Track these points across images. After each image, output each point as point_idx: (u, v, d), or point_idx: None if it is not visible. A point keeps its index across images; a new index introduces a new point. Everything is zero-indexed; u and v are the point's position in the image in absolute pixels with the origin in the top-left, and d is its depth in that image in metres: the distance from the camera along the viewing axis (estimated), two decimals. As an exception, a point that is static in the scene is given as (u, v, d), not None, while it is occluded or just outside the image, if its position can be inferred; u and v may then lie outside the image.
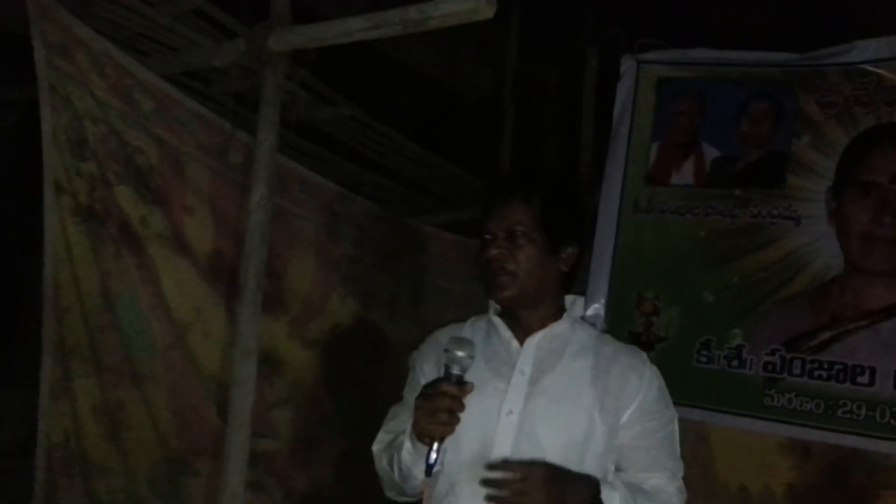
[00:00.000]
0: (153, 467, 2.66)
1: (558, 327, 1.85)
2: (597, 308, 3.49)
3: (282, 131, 2.76)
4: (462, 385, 1.64)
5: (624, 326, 3.42)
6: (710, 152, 3.48)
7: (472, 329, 1.91)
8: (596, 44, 4.11)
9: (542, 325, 1.84)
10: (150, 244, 2.65)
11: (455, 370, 1.64)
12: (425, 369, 1.87)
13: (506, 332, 1.85)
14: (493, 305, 1.90)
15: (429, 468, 1.63)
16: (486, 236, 1.84)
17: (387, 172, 3.81)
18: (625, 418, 1.81)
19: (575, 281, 1.94)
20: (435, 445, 1.62)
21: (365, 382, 3.31)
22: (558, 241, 1.84)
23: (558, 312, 1.88)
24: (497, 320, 1.87)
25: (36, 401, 2.46)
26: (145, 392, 2.63)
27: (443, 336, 1.86)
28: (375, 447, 1.87)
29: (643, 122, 3.59)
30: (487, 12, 2.03)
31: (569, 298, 1.91)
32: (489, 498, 1.65)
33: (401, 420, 1.84)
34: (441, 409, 1.61)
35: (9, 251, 3.34)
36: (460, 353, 1.65)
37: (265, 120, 2.56)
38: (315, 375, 3.13)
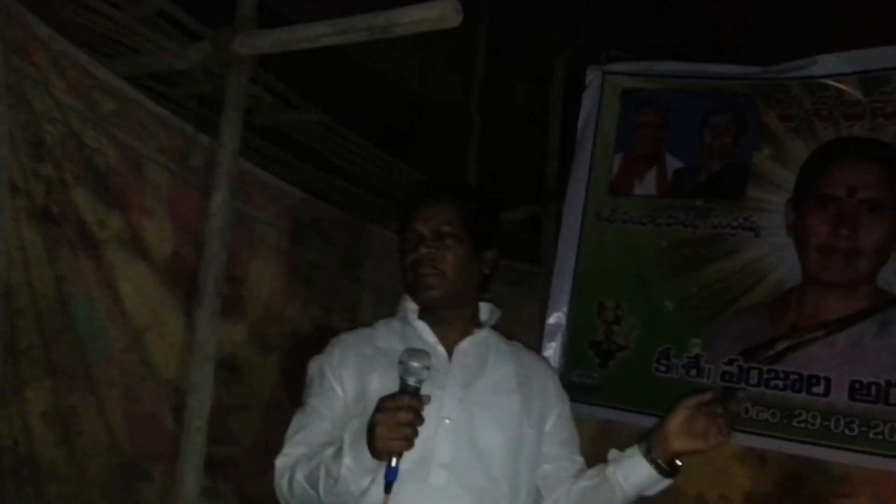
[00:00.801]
0: (107, 473, 2.62)
1: (482, 333, 1.88)
2: (558, 316, 3.51)
3: (246, 135, 2.75)
4: (419, 397, 1.60)
5: (585, 335, 3.45)
6: (673, 163, 3.52)
7: (386, 332, 1.89)
8: (563, 54, 4.15)
9: (463, 329, 1.86)
10: (108, 246, 2.62)
11: (412, 381, 1.61)
12: (343, 376, 1.80)
13: (430, 336, 1.84)
14: (411, 308, 1.88)
15: (388, 484, 1.59)
16: (410, 236, 1.84)
17: (353, 178, 3.80)
18: (549, 426, 1.85)
19: (490, 285, 1.95)
20: (394, 461, 1.58)
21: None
22: (482, 243, 1.87)
23: (476, 317, 1.90)
24: (420, 324, 1.86)
25: (-13, 404, 2.43)
26: (99, 396, 2.60)
27: (352, 340, 1.85)
28: (280, 461, 1.77)
29: (607, 133, 3.63)
30: (454, 20, 2.04)
31: (484, 306, 1.93)
32: None
33: (312, 431, 1.77)
34: (404, 423, 1.56)
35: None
36: (416, 364, 1.61)
37: (228, 123, 2.55)
38: (274, 381, 3.11)
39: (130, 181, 2.70)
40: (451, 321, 1.85)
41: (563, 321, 3.49)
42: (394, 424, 1.56)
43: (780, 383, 3.12)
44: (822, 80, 3.20)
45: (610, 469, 1.74)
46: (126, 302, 2.64)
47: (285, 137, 3.44)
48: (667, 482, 1.71)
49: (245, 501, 3.01)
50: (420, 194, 1.92)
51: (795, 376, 3.11)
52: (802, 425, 3.05)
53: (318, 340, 3.14)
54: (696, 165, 3.47)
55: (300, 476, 1.71)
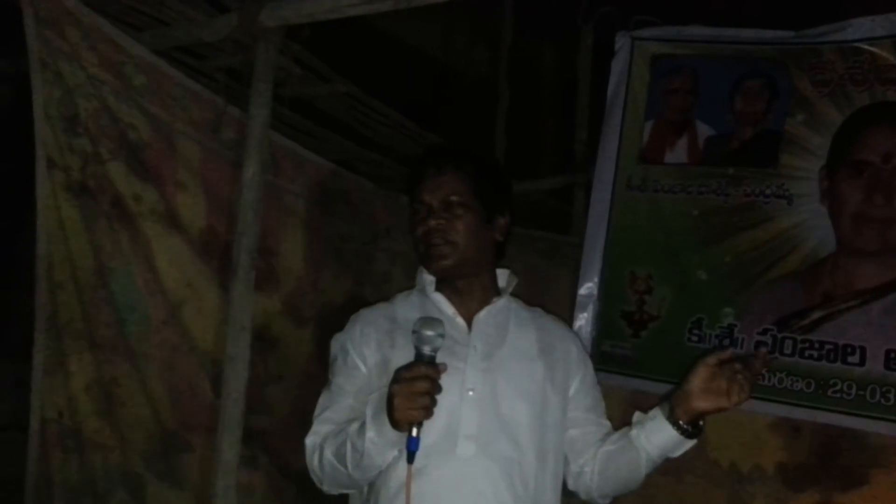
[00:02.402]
0: (148, 443, 2.67)
1: (500, 302, 1.86)
2: (590, 287, 3.50)
3: (275, 107, 2.74)
4: (435, 366, 1.61)
5: (617, 305, 3.43)
6: (704, 130, 3.47)
7: (405, 305, 1.87)
8: (591, 22, 4.09)
9: (482, 298, 1.84)
10: (143, 220, 2.64)
11: (427, 350, 1.61)
12: (365, 353, 1.81)
13: (448, 308, 1.83)
14: (426, 280, 1.87)
15: (411, 454, 1.60)
16: (419, 207, 1.82)
17: (382, 149, 3.79)
18: (573, 391, 1.84)
19: (504, 252, 1.93)
20: (414, 431, 1.59)
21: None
22: (493, 209, 1.84)
23: (494, 284, 1.88)
24: (437, 296, 1.85)
25: (31, 375, 2.47)
26: (139, 368, 2.64)
27: (374, 316, 1.84)
28: (310, 439, 1.79)
29: (637, 100, 3.58)
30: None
31: (501, 272, 1.91)
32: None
33: (338, 408, 1.78)
34: (420, 392, 1.56)
35: (3, 225, 3.33)
36: (430, 333, 1.61)
37: (258, 95, 2.55)
38: (309, 352, 3.13)
39: (163, 155, 2.72)
40: (468, 291, 1.84)
41: (595, 291, 3.47)
42: (411, 394, 1.57)
43: (815, 353, 3.10)
44: (856, 45, 3.13)
45: (633, 432, 1.74)
46: (162, 275, 2.67)
47: (314, 109, 3.44)
48: (690, 443, 1.71)
49: (283, 470, 3.05)
50: (425, 163, 1.87)
51: (830, 346, 3.08)
52: (837, 395, 3.03)
53: (351, 311, 3.17)
54: (727, 132, 3.42)
55: (329, 453, 1.73)
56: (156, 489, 2.67)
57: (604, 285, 3.49)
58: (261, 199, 2.51)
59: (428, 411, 1.58)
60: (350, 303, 3.27)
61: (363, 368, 1.79)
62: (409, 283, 3.66)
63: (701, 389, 1.63)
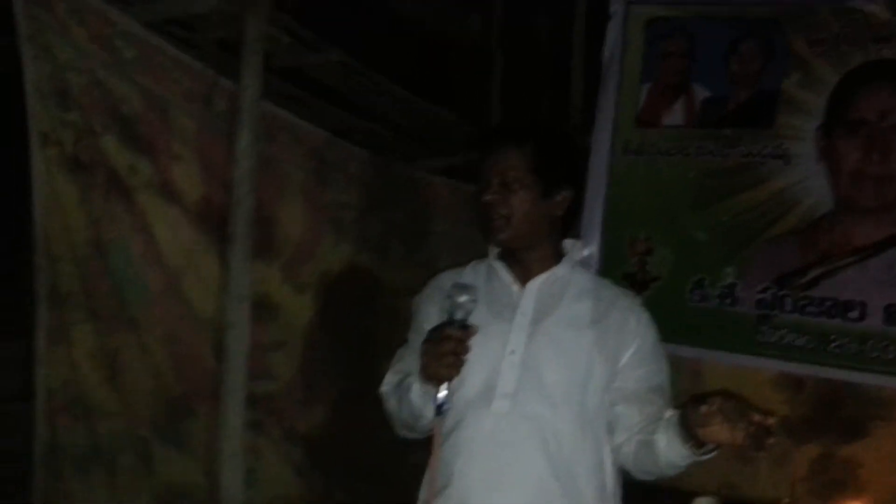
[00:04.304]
0: (154, 409, 2.70)
1: (559, 271, 1.87)
2: (590, 250, 3.50)
3: (267, 78, 2.74)
4: (466, 328, 1.67)
5: (618, 268, 3.44)
6: (700, 93, 3.47)
7: (472, 273, 1.93)
8: (585, -14, 4.07)
9: (542, 269, 1.86)
10: (139, 192, 2.64)
11: (458, 315, 1.68)
12: (430, 313, 1.88)
13: (506, 276, 1.87)
14: (493, 250, 1.92)
15: (438, 408, 1.68)
16: (480, 182, 1.85)
17: (376, 118, 3.78)
18: (624, 360, 1.82)
19: (572, 224, 1.96)
20: (443, 387, 1.66)
21: (359, 325, 3.34)
22: (551, 185, 1.85)
23: (557, 256, 1.89)
24: (497, 264, 1.90)
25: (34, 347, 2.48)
26: (141, 337, 2.65)
27: (445, 280, 1.89)
28: (384, 388, 1.91)
29: (633, 64, 3.57)
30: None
31: (567, 242, 1.93)
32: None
33: (407, 362, 1.87)
34: (446, 352, 1.64)
35: (2, 202, 3.33)
36: (462, 298, 1.68)
37: (248, 66, 2.55)
38: (309, 319, 3.15)
39: (157, 127, 2.71)
40: (527, 261, 1.87)
41: (595, 254, 3.48)
42: (437, 353, 1.65)
43: (815, 309, 3.12)
44: (850, 4, 3.14)
45: (656, 435, 1.72)
46: (161, 246, 2.67)
47: (308, 79, 3.42)
48: (708, 456, 1.69)
49: (287, 434, 3.07)
50: (489, 139, 1.93)
51: (830, 302, 3.10)
52: (838, 350, 3.05)
53: (349, 279, 3.19)
54: (723, 94, 3.42)
55: (393, 401, 1.86)
56: (163, 453, 2.70)
57: (604, 249, 3.50)
58: (256, 168, 2.51)
59: (453, 370, 1.66)
60: (349, 271, 3.29)
61: (426, 326, 1.84)
62: (408, 251, 3.67)
63: (700, 425, 1.60)
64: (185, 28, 2.98)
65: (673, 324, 3.23)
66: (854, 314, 3.06)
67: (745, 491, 3.18)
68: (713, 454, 1.65)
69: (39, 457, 2.49)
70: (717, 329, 3.24)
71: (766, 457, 3.13)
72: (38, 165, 2.48)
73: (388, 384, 1.90)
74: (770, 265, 3.22)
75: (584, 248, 3.47)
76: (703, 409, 1.55)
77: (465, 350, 1.66)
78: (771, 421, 1.48)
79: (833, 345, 3.07)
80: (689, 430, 1.61)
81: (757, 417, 1.50)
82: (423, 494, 1.83)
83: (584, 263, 3.39)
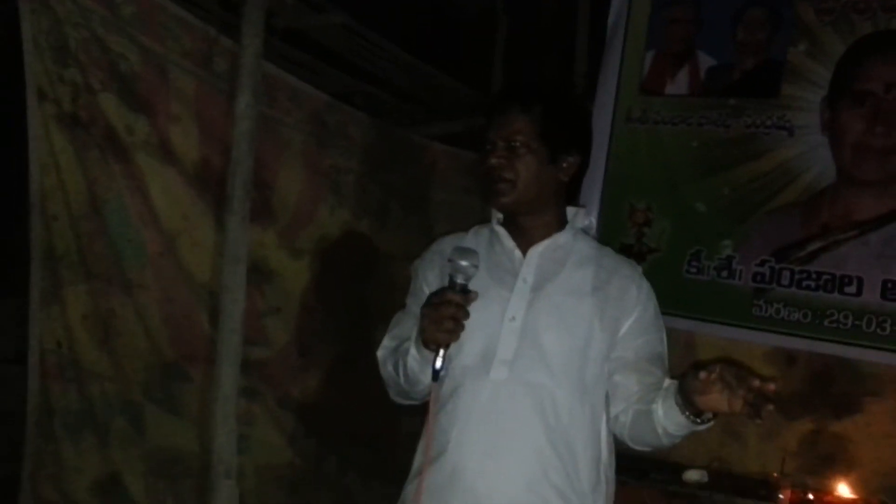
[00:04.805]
0: (147, 373, 2.70)
1: (561, 238, 1.86)
2: (589, 219, 3.46)
3: (269, 39, 2.70)
4: (466, 293, 1.66)
5: (616, 237, 3.43)
6: (706, 61, 3.44)
7: (474, 238, 1.92)
8: (591, -51, 4.00)
9: (544, 235, 1.85)
10: (137, 152, 2.62)
11: (459, 279, 1.67)
12: (429, 278, 1.89)
13: (508, 242, 1.86)
14: (496, 215, 1.90)
15: (435, 373, 1.67)
16: (486, 146, 1.83)
17: (378, 83, 3.74)
18: (624, 329, 1.82)
19: (578, 191, 1.94)
20: (440, 352, 1.66)
21: (356, 291, 3.34)
22: (558, 150, 1.83)
23: (560, 223, 1.88)
24: (500, 229, 1.88)
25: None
26: (136, 299, 2.65)
27: (446, 245, 1.87)
28: (380, 353, 1.91)
29: (638, 31, 3.53)
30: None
31: (571, 210, 1.92)
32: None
33: (405, 327, 1.87)
34: (446, 316, 1.63)
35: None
36: (464, 263, 1.67)
37: (250, 24, 2.50)
38: (306, 284, 3.14)
39: (156, 86, 2.68)
40: (530, 226, 1.85)
41: (594, 223, 3.44)
42: (437, 318, 1.64)
43: (813, 283, 3.11)
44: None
45: (654, 405, 1.71)
46: (157, 207, 2.66)
47: (309, 41, 3.38)
48: (706, 426, 1.67)
49: (281, 400, 3.09)
50: (496, 102, 1.91)
51: (828, 276, 3.09)
52: (834, 325, 3.05)
53: (346, 245, 3.17)
54: (728, 63, 3.39)
55: (389, 366, 1.85)
56: (155, 417, 2.71)
57: (603, 218, 3.49)
58: (255, 130, 2.48)
59: (452, 335, 1.65)
60: (347, 236, 3.27)
61: (426, 291, 1.85)
62: (406, 217, 3.65)
63: (699, 392, 1.59)
64: (186, -15, 2.94)
65: (668, 295, 3.19)
66: (851, 289, 3.06)
67: (734, 465, 3.20)
68: (710, 424, 1.65)
69: (32, 419, 2.50)
70: (713, 302, 3.24)
71: (757, 430, 3.17)
72: (34, 122, 2.46)
73: (384, 348, 1.90)
74: (769, 238, 3.21)
75: (585, 215, 3.48)
76: (703, 374, 1.54)
77: (465, 315, 1.65)
78: (772, 386, 1.46)
79: (829, 319, 3.07)
80: (687, 398, 1.61)
81: (756, 384, 1.47)
82: (417, 461, 1.83)
83: (585, 231, 3.44)
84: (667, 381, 1.75)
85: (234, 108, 2.47)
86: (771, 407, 1.45)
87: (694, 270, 3.30)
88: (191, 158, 2.74)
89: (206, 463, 2.42)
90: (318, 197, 3.17)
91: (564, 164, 1.85)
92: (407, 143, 3.62)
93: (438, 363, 1.66)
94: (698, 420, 1.63)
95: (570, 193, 1.91)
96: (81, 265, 2.54)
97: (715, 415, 1.62)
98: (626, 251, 3.38)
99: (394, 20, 3.76)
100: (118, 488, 2.71)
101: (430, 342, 1.66)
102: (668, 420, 1.68)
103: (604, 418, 1.82)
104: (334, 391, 3.23)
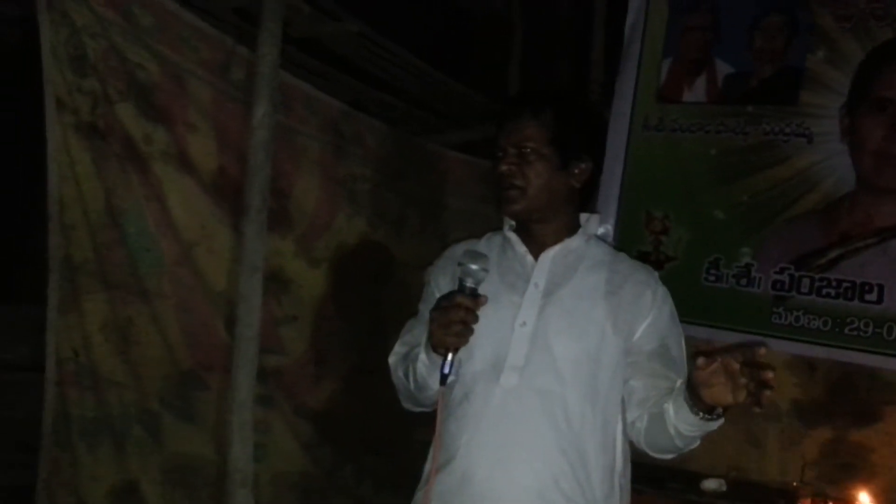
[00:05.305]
0: (164, 381, 2.71)
1: (573, 242, 1.85)
2: (606, 227, 3.47)
3: (285, 47, 2.71)
4: (476, 297, 1.65)
5: (633, 245, 3.41)
6: (723, 68, 3.42)
7: (487, 244, 1.91)
8: (608, -43, 3.99)
9: (557, 241, 1.84)
10: (154, 161, 2.64)
11: (469, 283, 1.66)
12: (441, 283, 1.88)
13: (520, 247, 1.86)
14: (508, 221, 1.90)
15: (443, 377, 1.67)
16: (498, 153, 1.83)
17: (393, 91, 3.75)
18: (638, 334, 1.80)
19: (591, 197, 1.93)
20: (449, 356, 1.65)
21: (372, 300, 3.34)
22: (569, 156, 1.82)
23: (573, 228, 1.87)
24: (512, 235, 1.88)
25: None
26: (154, 308, 2.66)
27: (458, 251, 1.86)
28: (391, 359, 1.90)
29: (655, 38, 3.52)
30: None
31: (584, 215, 1.90)
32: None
33: (416, 333, 1.86)
34: (455, 320, 1.62)
35: (16, 168, 3.34)
36: (474, 267, 1.66)
37: (267, 34, 2.51)
38: (322, 293, 3.15)
39: (173, 96, 2.70)
40: (542, 233, 1.85)
41: (611, 231, 3.45)
42: (446, 322, 1.63)
43: (833, 291, 3.08)
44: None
45: (666, 405, 1.68)
46: (174, 216, 2.68)
47: (325, 50, 3.39)
48: (716, 423, 1.65)
49: (298, 409, 3.09)
50: (506, 108, 1.90)
51: (848, 284, 3.06)
52: (854, 333, 3.02)
53: (363, 253, 3.17)
54: (746, 70, 3.37)
55: (400, 372, 1.85)
56: (172, 425, 2.73)
57: (620, 226, 3.47)
58: (272, 139, 2.49)
59: (461, 338, 1.64)
60: (363, 245, 3.28)
61: (438, 297, 1.83)
62: (424, 224, 3.65)
63: (704, 384, 1.57)
64: (203, -4, 2.97)
65: (686, 304, 3.19)
66: (872, 297, 3.03)
67: (753, 474, 3.17)
68: (720, 421, 1.61)
69: (48, 426, 2.51)
70: (732, 310, 3.22)
71: (776, 438, 3.14)
72: (53, 132, 2.48)
73: (395, 354, 1.90)
74: (788, 245, 3.18)
75: (600, 221, 3.47)
76: (700, 360, 1.51)
77: (474, 319, 1.64)
78: (769, 375, 1.43)
79: (849, 327, 3.03)
80: (694, 394, 1.58)
81: (756, 372, 1.46)
82: (427, 468, 1.82)
83: (603, 239, 3.43)
84: (679, 382, 1.72)
85: (251, 117, 2.49)
86: (769, 392, 1.44)
87: (712, 278, 3.28)
88: (208, 167, 2.76)
89: (222, 471, 2.42)
90: (335, 205, 3.18)
91: (576, 171, 1.83)
92: (423, 152, 3.63)
93: (447, 367, 1.65)
94: (709, 416, 1.60)
95: (583, 199, 1.89)
96: (99, 274, 2.55)
97: (725, 410, 1.58)
98: (643, 259, 3.34)
99: (409, 28, 3.77)
100: (135, 496, 2.72)
101: (439, 346, 1.65)
102: (679, 419, 1.65)
103: (619, 426, 1.81)
104: (350, 399, 3.23)
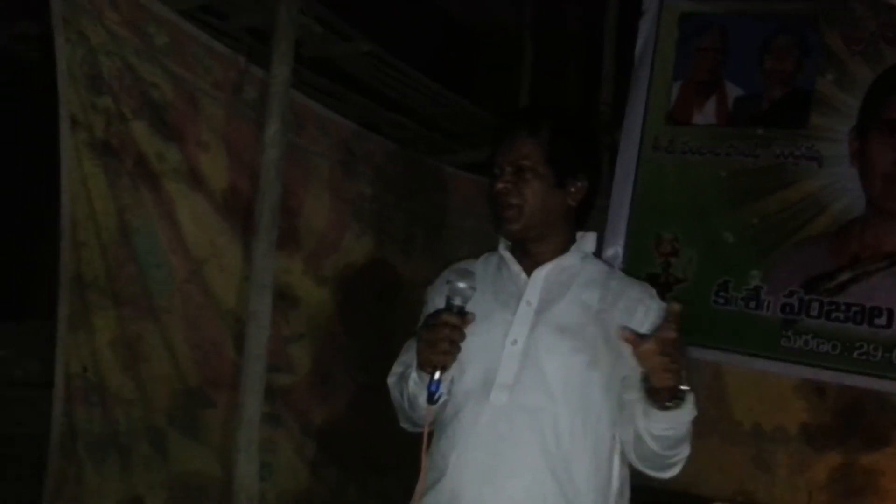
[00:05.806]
0: (171, 398, 2.71)
1: (566, 260, 1.83)
2: (615, 249, 3.47)
3: (297, 68, 2.73)
4: (463, 315, 1.65)
5: (642, 267, 3.41)
6: (733, 90, 3.43)
7: (484, 264, 1.90)
8: (617, -22, 4.02)
9: (552, 259, 1.83)
10: (167, 179, 2.66)
11: (456, 301, 1.65)
12: (436, 302, 1.85)
13: (514, 266, 1.85)
14: (503, 240, 1.90)
15: (430, 395, 1.65)
16: (495, 171, 1.83)
17: (404, 111, 3.77)
18: (629, 350, 1.80)
19: (588, 215, 1.92)
20: (437, 374, 1.64)
21: (379, 319, 3.34)
22: (565, 174, 1.81)
23: (567, 245, 1.85)
24: (507, 254, 1.86)
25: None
26: (163, 325, 2.67)
27: (456, 269, 1.84)
28: (390, 379, 1.89)
29: (665, 60, 3.53)
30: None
31: (580, 234, 1.91)
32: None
33: (412, 353, 1.82)
34: (441, 338, 1.62)
35: (29, 185, 3.37)
36: (461, 285, 1.65)
37: (279, 54, 2.54)
38: (330, 311, 3.16)
39: (186, 115, 2.72)
40: (539, 251, 1.83)
41: (620, 253, 3.45)
42: (433, 340, 1.63)
43: (842, 315, 3.07)
44: (889, 1, 3.07)
45: (636, 413, 1.68)
46: (185, 234, 2.69)
47: (337, 70, 3.42)
48: (680, 413, 1.63)
49: (304, 427, 3.08)
50: (503, 126, 1.88)
51: (857, 308, 3.05)
52: (864, 357, 3.01)
53: (371, 272, 3.18)
54: (756, 92, 3.38)
55: (396, 392, 1.85)
56: (178, 443, 2.73)
57: (629, 247, 3.47)
58: (283, 158, 2.51)
59: (448, 356, 1.63)
60: (372, 264, 3.28)
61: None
62: (432, 244, 3.65)
63: (648, 370, 1.59)
64: (217, 16, 3.00)
65: (695, 326, 3.22)
66: (881, 321, 3.02)
67: (761, 498, 3.15)
68: (683, 408, 1.60)
69: (55, 441, 2.51)
70: (740, 333, 3.21)
71: (785, 462, 3.12)
72: (66, 149, 2.50)
73: (393, 374, 1.88)
74: (798, 269, 3.18)
75: (610, 243, 3.48)
76: (624, 333, 1.60)
77: (461, 337, 1.63)
78: (672, 335, 1.50)
79: (858, 352, 3.02)
80: (650, 388, 1.59)
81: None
82: (418, 487, 1.78)
83: (608, 262, 3.42)
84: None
85: (262, 136, 2.51)
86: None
87: (721, 301, 3.27)
88: (219, 186, 2.78)
89: (228, 489, 2.42)
90: (344, 224, 3.19)
91: (572, 189, 1.82)
92: (432, 172, 3.64)
93: (433, 385, 1.64)
94: (669, 404, 1.59)
95: (580, 218, 1.87)
96: (110, 291, 2.57)
97: (682, 396, 1.59)
98: (652, 281, 3.33)
99: (420, 49, 3.80)
100: (140, 513, 2.73)
101: (426, 364, 1.65)
102: (646, 418, 1.65)
103: (615, 448, 1.78)
104: (355, 418, 3.23)
